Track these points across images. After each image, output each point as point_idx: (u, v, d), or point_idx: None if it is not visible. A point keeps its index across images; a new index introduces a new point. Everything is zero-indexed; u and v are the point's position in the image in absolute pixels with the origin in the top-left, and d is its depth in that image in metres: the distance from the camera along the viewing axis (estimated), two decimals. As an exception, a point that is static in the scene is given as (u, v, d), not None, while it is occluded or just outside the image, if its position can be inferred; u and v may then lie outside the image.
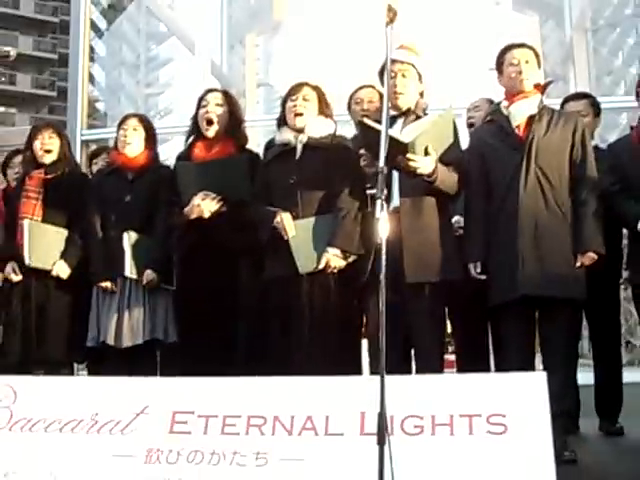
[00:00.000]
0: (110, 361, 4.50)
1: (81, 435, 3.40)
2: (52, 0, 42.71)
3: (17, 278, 4.70)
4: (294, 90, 4.32)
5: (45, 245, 4.69)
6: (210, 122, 4.51)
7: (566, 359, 4.10)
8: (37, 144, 4.88)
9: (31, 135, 4.95)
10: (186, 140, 4.69)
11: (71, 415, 3.47)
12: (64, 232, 4.76)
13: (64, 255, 4.70)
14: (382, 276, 2.78)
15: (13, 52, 4.33)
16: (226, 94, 4.66)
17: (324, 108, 4.33)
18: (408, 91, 4.11)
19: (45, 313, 4.68)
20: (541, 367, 4.07)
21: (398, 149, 3.66)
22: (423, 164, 3.79)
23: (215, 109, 4.53)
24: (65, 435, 3.42)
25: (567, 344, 4.10)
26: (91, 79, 9.89)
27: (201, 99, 4.62)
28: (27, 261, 4.65)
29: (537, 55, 4.26)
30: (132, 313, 4.52)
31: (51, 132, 4.93)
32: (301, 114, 4.25)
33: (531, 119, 4.14)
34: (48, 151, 4.88)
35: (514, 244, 4.00)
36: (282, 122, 4.36)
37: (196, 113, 4.60)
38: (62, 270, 4.68)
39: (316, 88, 4.35)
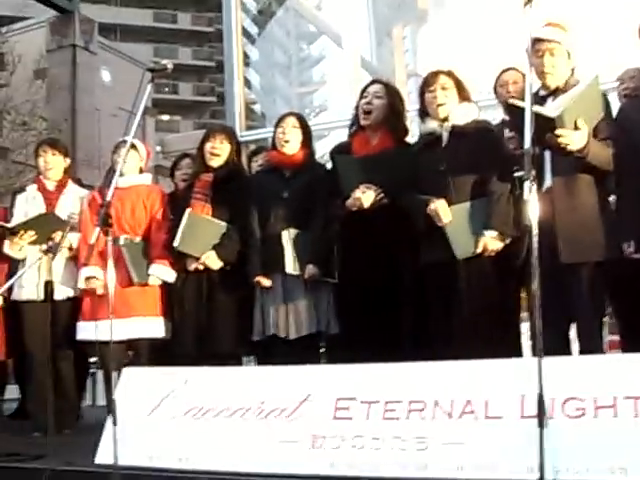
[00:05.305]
0: (278, 353, 4.64)
1: (249, 422, 3.56)
2: (207, 12, 44.19)
3: (194, 266, 4.90)
4: (430, 80, 4.32)
5: (200, 235, 4.85)
6: (367, 113, 4.60)
7: None
8: (207, 147, 5.05)
9: (204, 137, 5.13)
10: (349, 128, 4.80)
11: (239, 403, 3.64)
12: (223, 227, 4.90)
13: (217, 248, 4.84)
14: (534, 258, 2.76)
15: (170, 65, 4.54)
16: (388, 86, 4.72)
17: (463, 93, 4.32)
18: (557, 70, 4.00)
19: (215, 308, 4.86)
20: None
21: (546, 126, 3.59)
22: (573, 139, 3.67)
23: (374, 100, 4.61)
24: (234, 422, 3.60)
25: None
26: (247, 83, 10.18)
27: (363, 90, 4.71)
28: (176, 243, 4.86)
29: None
30: (296, 306, 4.64)
31: (223, 137, 5.08)
32: (443, 104, 4.26)
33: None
34: (216, 155, 5.04)
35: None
36: (424, 113, 4.39)
37: (358, 103, 4.69)
38: (212, 260, 4.84)
39: (451, 74, 4.33)
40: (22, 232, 5.23)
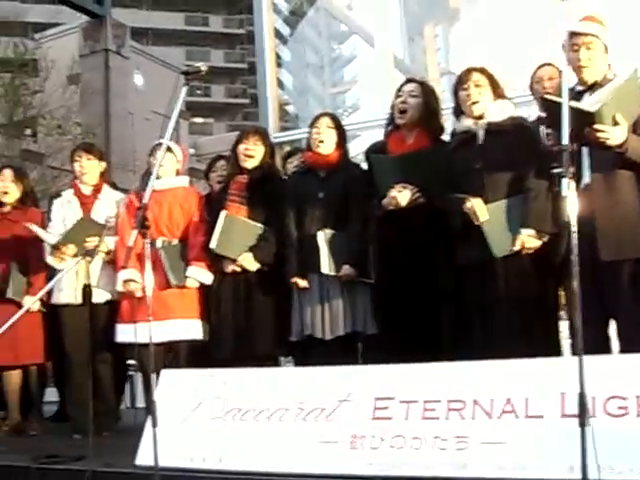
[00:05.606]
0: (315, 353, 4.64)
1: (288, 423, 3.57)
2: (238, 14, 44.39)
3: (231, 267, 4.92)
4: (463, 78, 4.31)
5: (236, 237, 4.87)
6: (403, 112, 4.58)
7: None
8: (241, 148, 5.08)
9: (238, 139, 5.16)
10: (385, 127, 4.78)
11: (278, 404, 3.65)
12: (260, 228, 4.92)
13: (254, 249, 4.87)
14: (574, 256, 2.73)
15: (205, 67, 4.54)
16: (423, 85, 4.70)
17: (498, 90, 4.30)
18: (593, 64, 3.94)
19: (252, 309, 4.88)
20: None
21: (584, 121, 3.54)
22: (613, 134, 3.61)
23: (409, 99, 4.59)
24: (273, 423, 3.61)
25: None
26: (279, 84, 10.19)
27: (398, 89, 4.70)
28: (212, 245, 4.88)
29: None
30: (332, 306, 4.64)
31: (256, 139, 5.11)
32: (477, 102, 4.24)
33: None
34: (250, 156, 5.06)
35: None
36: (458, 111, 4.37)
37: (393, 102, 4.68)
38: (248, 262, 4.86)
39: (484, 71, 4.31)
40: (63, 246, 5.31)
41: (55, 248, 5.36)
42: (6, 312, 5.25)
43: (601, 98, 3.64)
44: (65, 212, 5.55)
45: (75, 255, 5.31)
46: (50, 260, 5.41)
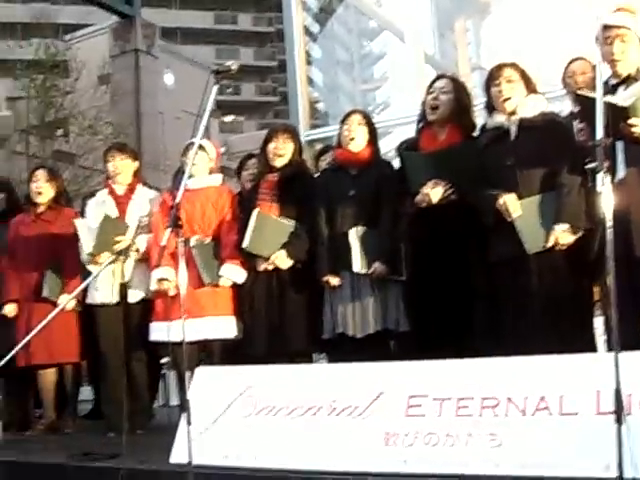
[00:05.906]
0: (347, 351, 4.64)
1: (322, 420, 3.57)
2: (267, 12, 44.52)
3: (263, 266, 4.93)
4: (495, 74, 4.28)
5: (269, 235, 4.87)
6: (434, 108, 4.57)
7: None
8: (271, 147, 5.08)
9: (267, 138, 5.16)
10: (417, 124, 4.76)
11: (312, 401, 3.65)
12: (291, 225, 4.92)
13: (287, 246, 4.86)
14: (609, 252, 2.70)
15: (235, 66, 4.55)
16: (454, 81, 4.68)
17: (530, 85, 4.26)
18: (627, 56, 3.90)
19: (285, 306, 4.89)
20: None
21: (618, 115, 3.50)
22: None
23: (441, 96, 4.57)
24: (307, 420, 3.61)
25: None
26: (310, 81, 10.19)
27: (430, 85, 4.68)
28: (245, 244, 4.89)
29: None
30: (363, 304, 4.63)
31: (286, 137, 5.11)
32: (509, 98, 4.21)
33: None
34: (280, 155, 5.06)
35: None
36: (490, 107, 4.34)
37: (425, 99, 4.67)
38: (281, 260, 4.86)
39: (515, 67, 4.28)
40: (97, 255, 5.36)
41: (90, 255, 5.40)
42: (42, 311, 5.33)
43: (635, 92, 3.60)
44: (99, 212, 5.58)
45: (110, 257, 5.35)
46: (90, 267, 5.44)
